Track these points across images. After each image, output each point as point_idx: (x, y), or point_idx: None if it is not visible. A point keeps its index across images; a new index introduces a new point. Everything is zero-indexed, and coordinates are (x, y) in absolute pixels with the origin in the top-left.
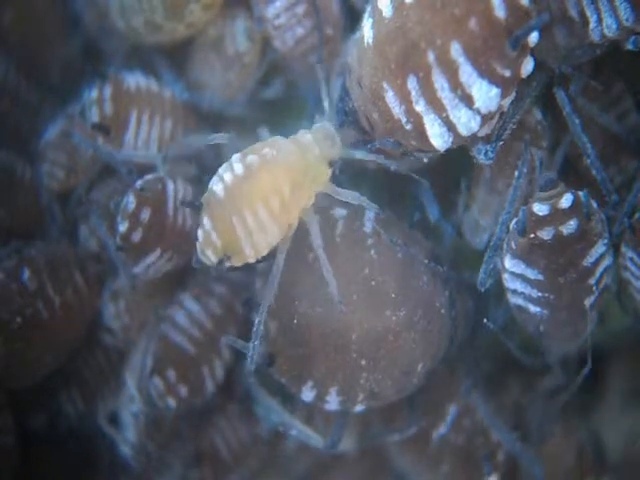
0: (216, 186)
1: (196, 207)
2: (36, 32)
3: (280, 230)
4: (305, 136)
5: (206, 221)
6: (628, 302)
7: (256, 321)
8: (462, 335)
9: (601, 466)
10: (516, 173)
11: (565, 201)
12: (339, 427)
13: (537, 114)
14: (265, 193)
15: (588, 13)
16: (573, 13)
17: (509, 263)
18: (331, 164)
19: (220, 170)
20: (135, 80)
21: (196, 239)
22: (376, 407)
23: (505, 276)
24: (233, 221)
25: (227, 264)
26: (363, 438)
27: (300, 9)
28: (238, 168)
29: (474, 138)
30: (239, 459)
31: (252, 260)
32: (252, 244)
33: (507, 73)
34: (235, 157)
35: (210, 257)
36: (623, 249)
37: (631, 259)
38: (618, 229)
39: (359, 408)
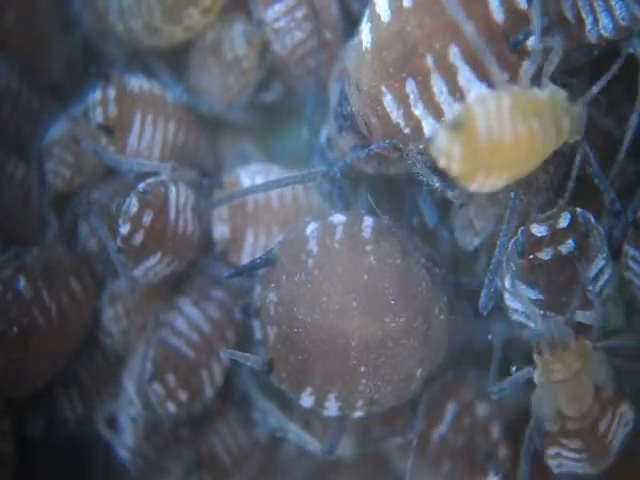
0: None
1: None
2: (36, 34)
3: None
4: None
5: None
6: (634, 304)
7: None
8: (461, 340)
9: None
10: (512, 194)
11: (563, 221)
12: (337, 432)
13: None
14: None
15: (584, 14)
16: (569, 15)
17: (509, 283)
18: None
19: (489, 101)
20: (138, 82)
21: None
22: (375, 413)
23: (506, 295)
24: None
25: None
26: (362, 442)
27: (299, 13)
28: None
29: None
30: (238, 464)
31: None
32: None
33: (506, 77)
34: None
35: None
36: (625, 247)
37: (633, 257)
38: (620, 231)
39: (358, 414)
